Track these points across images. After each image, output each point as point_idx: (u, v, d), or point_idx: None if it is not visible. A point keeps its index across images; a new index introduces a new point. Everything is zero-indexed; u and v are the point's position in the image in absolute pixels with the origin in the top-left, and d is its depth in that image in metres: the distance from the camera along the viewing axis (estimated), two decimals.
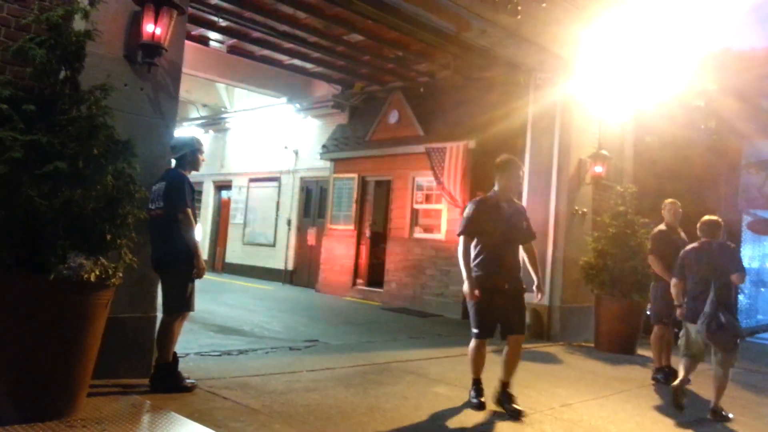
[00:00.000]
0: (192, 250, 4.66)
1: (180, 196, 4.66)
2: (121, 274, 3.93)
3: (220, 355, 6.09)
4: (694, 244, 6.16)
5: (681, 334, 5.97)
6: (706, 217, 6.23)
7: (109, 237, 3.90)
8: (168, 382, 4.63)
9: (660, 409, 5.75)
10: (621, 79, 10.06)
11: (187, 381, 4.74)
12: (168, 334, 4.72)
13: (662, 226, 7.44)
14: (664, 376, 6.95)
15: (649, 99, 10.71)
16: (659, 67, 10.45)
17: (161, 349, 4.70)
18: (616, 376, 7.22)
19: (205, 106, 18.69)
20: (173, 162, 4.98)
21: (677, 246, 6.72)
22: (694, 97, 12.55)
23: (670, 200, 7.64)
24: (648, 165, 11.35)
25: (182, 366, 4.87)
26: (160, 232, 4.71)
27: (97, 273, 3.75)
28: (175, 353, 4.77)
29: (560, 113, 9.65)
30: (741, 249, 14.18)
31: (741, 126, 14.31)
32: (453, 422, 4.56)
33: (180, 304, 4.73)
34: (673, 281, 6.06)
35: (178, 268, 4.68)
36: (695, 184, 12.65)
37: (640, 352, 8.83)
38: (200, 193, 18.21)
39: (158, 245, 4.74)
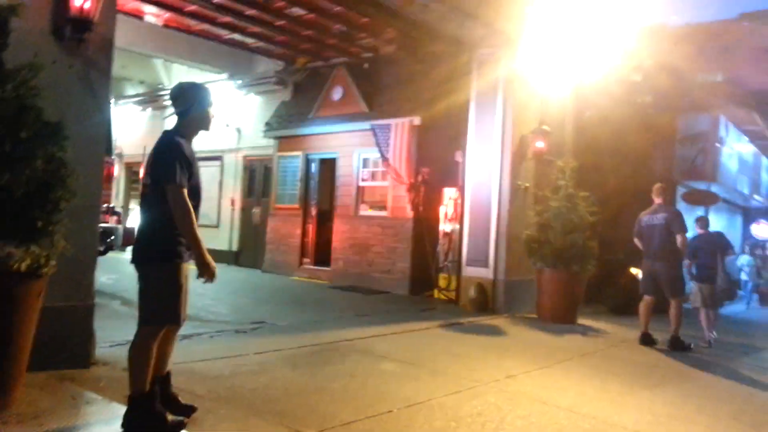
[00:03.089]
0: (190, 240, 3.52)
1: (168, 168, 3.52)
2: (54, 263, 3.77)
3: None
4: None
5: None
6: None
7: (40, 224, 3.73)
8: (144, 421, 3.48)
9: (599, 376, 5.95)
10: (562, 54, 10.21)
11: (173, 418, 3.58)
12: (142, 352, 3.53)
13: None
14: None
15: (589, 74, 10.92)
16: (598, 43, 10.65)
17: (134, 374, 3.51)
18: (559, 345, 7.43)
19: (142, 82, 18.09)
20: (174, 119, 3.86)
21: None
22: (631, 72, 12.89)
23: (657, 185, 8.35)
24: (588, 140, 11.61)
25: (120, 354, 4.61)
26: (145, 215, 3.72)
27: (28, 262, 3.59)
28: (154, 380, 3.60)
29: (503, 89, 9.74)
30: None
31: (676, 101, 14.79)
32: (400, 399, 4.60)
33: (162, 313, 3.61)
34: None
35: (163, 266, 3.58)
36: (632, 158, 13.04)
37: (581, 321, 9.12)
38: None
39: (141, 232, 3.71)
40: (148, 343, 3.56)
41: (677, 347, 7.71)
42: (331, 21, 11.29)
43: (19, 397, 3.77)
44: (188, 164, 3.61)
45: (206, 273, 3.55)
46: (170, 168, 3.51)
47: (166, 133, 3.75)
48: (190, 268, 3.65)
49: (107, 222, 8.48)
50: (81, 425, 3.63)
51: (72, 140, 4.05)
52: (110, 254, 10.30)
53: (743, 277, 17.83)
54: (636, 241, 8.22)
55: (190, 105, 3.73)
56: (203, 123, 3.81)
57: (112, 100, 9.24)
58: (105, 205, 8.66)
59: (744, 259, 18.14)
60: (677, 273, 7.92)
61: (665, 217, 7.87)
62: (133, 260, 3.66)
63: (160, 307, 3.59)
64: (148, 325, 3.59)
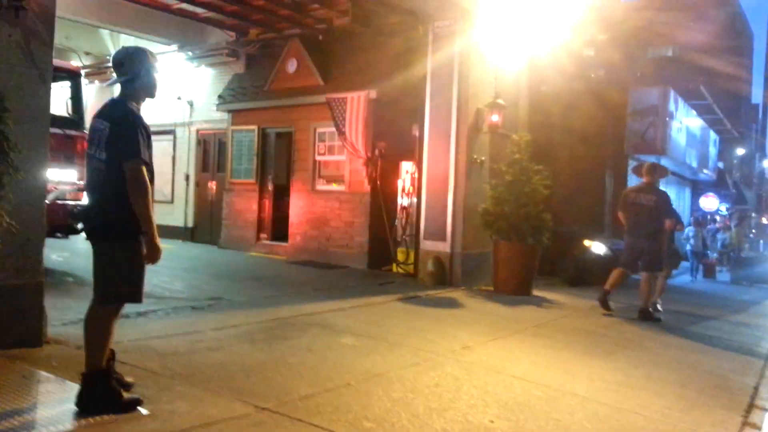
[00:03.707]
0: (144, 221, 3.37)
1: (129, 143, 3.36)
2: None
3: (128, 316, 5.84)
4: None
5: None
6: None
7: None
8: (101, 399, 3.41)
9: (553, 345, 6.10)
10: (517, 28, 10.26)
11: (128, 396, 3.53)
12: (99, 331, 3.46)
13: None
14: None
15: (543, 48, 11.01)
16: (552, 16, 10.74)
17: (91, 351, 3.44)
18: (514, 317, 7.58)
19: (88, 54, 17.41)
20: (118, 87, 3.62)
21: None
22: (584, 47, 13.06)
23: (648, 164, 8.69)
24: (542, 114, 11.75)
25: (74, 332, 4.53)
26: (101, 191, 3.50)
27: None
28: (110, 358, 3.55)
29: (459, 62, 9.74)
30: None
31: (627, 75, 15.07)
32: (358, 371, 4.64)
33: (121, 291, 3.50)
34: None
35: (124, 244, 3.44)
36: (585, 132, 13.27)
37: (536, 293, 9.31)
38: None
39: (97, 208, 3.56)
40: (107, 321, 3.50)
41: (646, 318, 8.00)
42: None
43: None
44: (148, 136, 3.47)
45: (153, 256, 3.44)
46: (133, 141, 3.36)
47: (116, 101, 3.56)
48: None
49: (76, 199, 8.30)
50: (33, 404, 3.55)
51: (14, 113, 3.90)
52: None
53: (688, 248, 18.43)
54: (620, 214, 8.53)
55: (137, 71, 3.55)
56: (150, 90, 3.64)
57: (83, 74, 8.96)
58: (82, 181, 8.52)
59: (689, 231, 18.75)
60: (660, 250, 8.20)
61: (655, 200, 8.16)
62: (90, 237, 3.54)
63: (124, 285, 3.50)
64: (108, 303, 3.52)
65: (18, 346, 4.47)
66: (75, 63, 17.06)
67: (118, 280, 3.49)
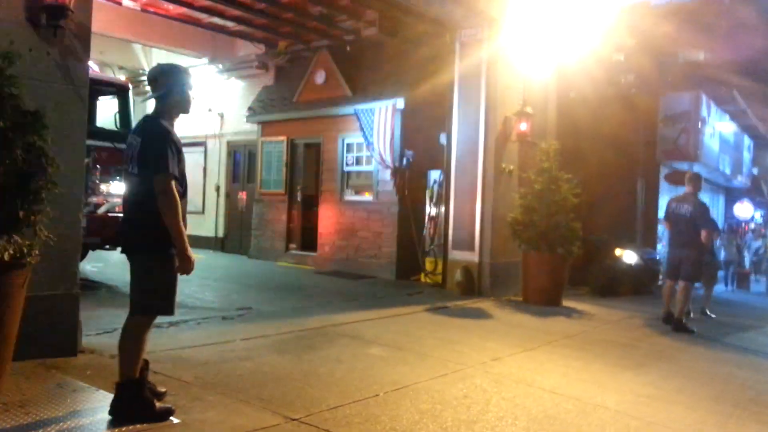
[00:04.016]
0: (174, 234, 3.45)
1: (159, 159, 3.46)
2: (37, 252, 3.74)
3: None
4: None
5: None
6: None
7: (21, 214, 3.69)
8: (134, 408, 3.50)
9: (583, 357, 6.04)
10: (544, 35, 10.22)
11: (161, 404, 3.63)
12: (134, 342, 3.56)
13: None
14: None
15: (571, 55, 10.94)
16: (580, 22, 10.66)
17: (124, 361, 3.54)
18: (543, 328, 7.51)
19: (122, 68, 17.80)
20: (153, 103, 3.78)
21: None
22: (613, 52, 12.93)
23: (690, 173, 8.76)
24: (570, 121, 11.65)
25: (107, 341, 4.65)
26: (135, 205, 3.65)
27: (11, 252, 3.55)
28: (144, 367, 3.61)
29: (486, 70, 9.73)
30: (659, 199, 14.90)
31: (657, 80, 14.87)
32: (386, 383, 4.64)
33: (154, 303, 3.61)
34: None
35: (157, 256, 3.56)
36: (614, 139, 13.12)
37: (565, 303, 9.22)
38: None
39: (131, 222, 3.70)
40: (141, 331, 3.60)
41: (680, 329, 7.88)
42: (311, 3, 11.19)
43: (5, 387, 3.74)
44: (178, 151, 3.57)
45: (186, 267, 3.52)
46: (161, 156, 3.46)
47: (149, 118, 3.68)
48: None
49: None
50: (68, 413, 3.62)
51: (52, 129, 4.01)
52: None
53: (721, 257, 18.05)
54: (664, 223, 8.73)
55: (170, 87, 3.66)
56: (183, 106, 3.74)
57: (130, 88, 9.24)
58: None
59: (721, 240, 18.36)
60: (697, 259, 8.16)
61: (691, 210, 8.12)
62: (125, 250, 3.67)
63: (156, 297, 3.60)
64: (143, 314, 3.62)
65: (53, 355, 4.59)
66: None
67: (151, 292, 3.60)
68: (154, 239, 3.51)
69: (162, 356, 4.85)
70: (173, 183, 3.48)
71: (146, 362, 3.70)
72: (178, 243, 3.47)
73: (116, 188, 8.14)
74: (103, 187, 8.21)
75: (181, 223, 3.49)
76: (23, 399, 3.74)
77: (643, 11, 14.18)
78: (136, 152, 3.58)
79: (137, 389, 3.53)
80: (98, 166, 8.02)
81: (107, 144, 8.15)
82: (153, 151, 3.50)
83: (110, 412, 3.53)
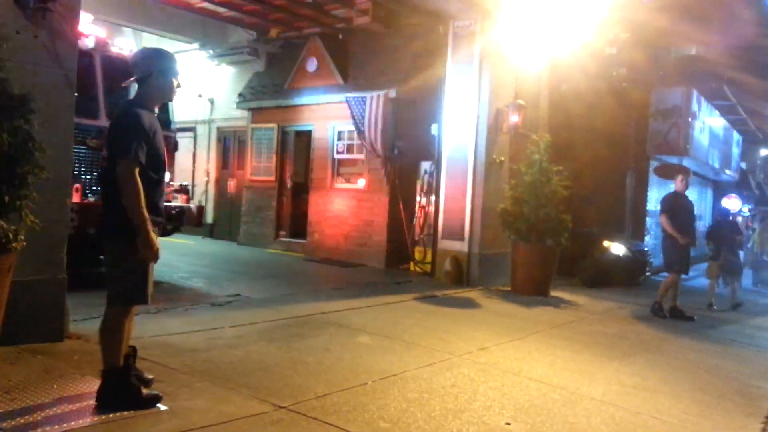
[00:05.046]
0: (134, 218, 3.34)
1: (124, 141, 3.38)
2: (23, 237, 3.71)
3: (137, 314, 5.91)
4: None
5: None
6: None
7: (7, 199, 3.65)
8: (120, 395, 3.49)
9: (570, 347, 6.07)
10: (538, 27, 10.17)
11: (147, 391, 3.60)
12: (114, 332, 3.52)
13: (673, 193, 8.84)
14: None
15: (564, 48, 10.91)
16: (574, 15, 10.63)
17: (106, 350, 3.51)
18: (531, 318, 7.55)
19: None
20: (134, 88, 3.71)
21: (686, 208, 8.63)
22: (606, 46, 12.92)
23: (682, 174, 8.94)
24: (562, 114, 11.66)
25: (95, 327, 4.58)
26: (104, 192, 3.61)
27: None
28: (128, 355, 3.59)
29: (479, 62, 9.71)
30: (648, 192, 14.98)
31: (649, 74, 14.89)
32: (374, 371, 4.65)
33: (126, 292, 3.54)
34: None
35: (124, 244, 3.44)
36: (606, 132, 13.14)
37: (554, 294, 9.27)
38: None
39: (103, 209, 3.64)
40: (118, 321, 3.55)
41: (677, 316, 8.45)
42: None
43: None
44: (146, 137, 3.46)
45: (148, 254, 3.42)
46: (124, 142, 3.38)
47: (124, 103, 3.61)
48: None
49: (172, 200, 8.35)
50: (54, 399, 3.61)
51: (39, 113, 3.96)
52: None
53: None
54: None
55: (152, 72, 3.59)
56: (166, 92, 3.69)
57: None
58: (174, 182, 8.51)
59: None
60: (664, 250, 8.81)
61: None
62: (99, 237, 3.62)
63: (128, 286, 3.53)
64: (114, 304, 3.56)
65: (40, 340, 4.57)
66: None
67: (123, 280, 3.54)
68: (122, 227, 3.40)
69: (150, 342, 4.83)
70: (136, 169, 3.37)
71: (134, 349, 3.69)
72: (139, 230, 3.36)
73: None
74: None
75: (143, 209, 3.35)
76: (8, 385, 3.71)
77: (636, 4, 14.19)
78: (107, 137, 3.55)
79: (122, 377, 3.51)
80: None
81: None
82: (118, 137, 3.45)
83: (97, 399, 3.52)
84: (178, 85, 3.72)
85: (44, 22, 4.67)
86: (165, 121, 8.26)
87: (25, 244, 3.75)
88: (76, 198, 6.45)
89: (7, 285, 3.77)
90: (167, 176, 7.96)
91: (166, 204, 7.76)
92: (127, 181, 3.34)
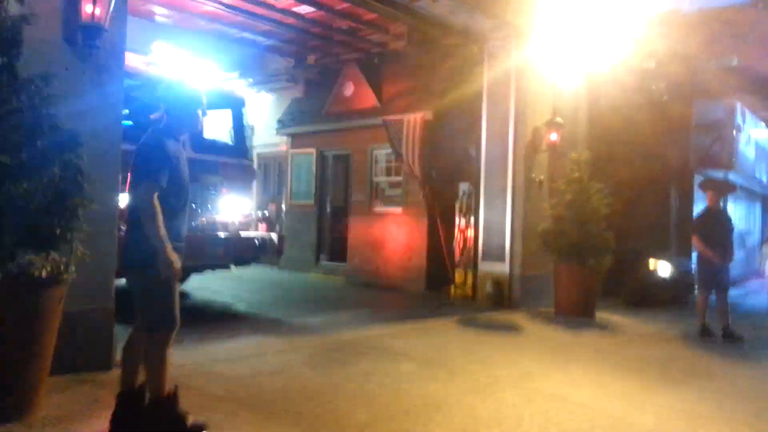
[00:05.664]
0: (153, 239, 3.36)
1: (145, 166, 3.47)
2: (73, 269, 3.82)
3: (182, 341, 6.00)
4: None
5: None
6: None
7: (58, 231, 3.77)
8: (165, 423, 3.51)
9: (617, 372, 5.92)
10: (573, 43, 10.12)
11: (194, 421, 3.59)
12: (153, 360, 3.53)
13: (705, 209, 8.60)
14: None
15: (601, 63, 10.81)
16: (610, 30, 10.54)
17: (151, 381, 3.54)
18: (576, 341, 7.40)
19: None
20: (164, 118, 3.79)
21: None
22: (644, 60, 12.74)
23: (711, 189, 8.70)
24: (601, 130, 11.50)
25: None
26: (127, 220, 3.63)
27: (48, 269, 3.63)
28: (175, 386, 3.60)
29: (515, 80, 9.67)
30: (693, 208, 14.60)
31: (689, 88, 14.61)
32: (417, 398, 4.61)
33: (155, 319, 3.53)
34: None
35: (144, 272, 3.47)
36: (646, 147, 12.90)
37: (598, 315, 9.06)
38: None
39: (124, 238, 3.66)
40: (158, 350, 3.55)
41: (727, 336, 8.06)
42: (339, 18, 11.26)
43: (42, 401, 3.83)
44: (168, 163, 3.52)
45: (169, 272, 3.39)
46: (146, 167, 3.47)
47: (151, 131, 3.71)
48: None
49: (256, 229, 8.22)
50: (103, 428, 3.67)
51: (87, 146, 4.09)
52: None
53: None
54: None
55: (174, 105, 3.71)
56: (187, 124, 3.79)
57: (245, 102, 8.88)
58: (256, 211, 8.32)
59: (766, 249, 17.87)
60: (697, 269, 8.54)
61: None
62: (122, 266, 3.62)
63: (155, 312, 3.53)
64: (153, 332, 3.56)
65: (89, 369, 4.66)
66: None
67: (149, 308, 3.55)
68: (142, 255, 3.42)
69: (195, 370, 4.90)
70: (155, 192, 3.41)
71: (175, 387, 3.64)
72: (158, 249, 3.36)
73: (239, 206, 7.79)
74: (225, 205, 7.72)
75: (161, 229, 3.37)
76: (60, 414, 3.80)
77: (673, 19, 13.99)
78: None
79: (169, 405, 3.53)
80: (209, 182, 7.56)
81: (231, 160, 7.81)
82: (139, 162, 3.52)
83: (143, 428, 3.53)
84: (203, 116, 3.82)
85: (91, 58, 4.85)
86: (242, 150, 8.31)
87: (75, 275, 3.86)
88: None
89: (59, 316, 3.88)
90: (247, 205, 8.04)
91: (248, 234, 7.72)
92: (143, 203, 3.40)
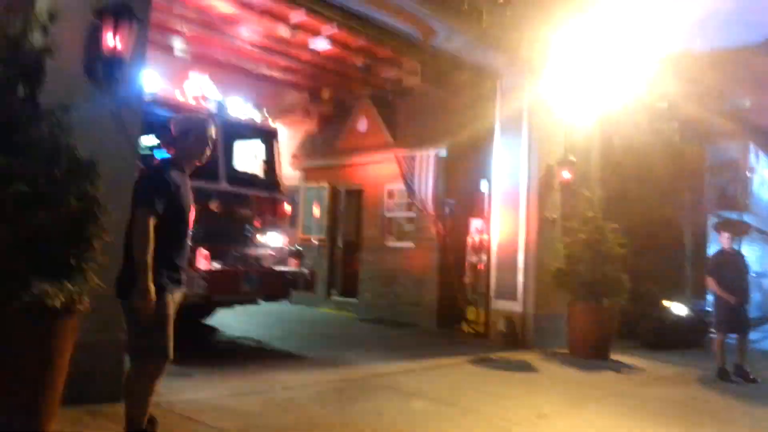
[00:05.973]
0: (137, 267, 3.35)
1: (141, 194, 3.56)
2: (87, 300, 3.79)
3: (192, 374, 5.94)
4: None
5: None
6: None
7: (73, 261, 3.75)
8: None
9: (635, 415, 5.77)
10: (587, 82, 10.16)
11: None
12: (134, 389, 3.49)
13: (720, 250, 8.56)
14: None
15: (614, 102, 10.84)
16: (623, 70, 10.60)
17: (128, 408, 3.48)
18: (591, 383, 7.25)
19: None
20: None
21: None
22: (657, 99, 12.78)
23: (726, 230, 8.65)
24: (613, 169, 11.48)
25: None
26: (124, 247, 3.59)
27: (62, 299, 3.60)
28: (153, 418, 3.55)
29: (528, 117, 9.71)
30: (708, 249, 14.45)
31: (703, 129, 14.61)
32: None
33: (144, 348, 3.48)
34: None
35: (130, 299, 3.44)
36: (660, 187, 12.84)
37: (614, 356, 8.90)
38: None
39: (124, 264, 3.59)
40: (138, 379, 3.50)
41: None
42: (354, 54, 11.40)
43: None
44: (167, 191, 3.54)
45: (141, 304, 3.34)
46: (141, 194, 3.55)
47: (160, 162, 3.74)
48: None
49: (288, 265, 7.80)
50: None
51: (104, 177, 4.10)
52: None
53: None
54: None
55: (182, 137, 3.78)
56: (195, 155, 3.82)
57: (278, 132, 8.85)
58: (286, 246, 8.17)
59: None
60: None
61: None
62: (118, 294, 3.55)
63: (145, 342, 3.47)
64: (138, 361, 3.52)
65: (100, 401, 4.58)
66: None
67: (137, 335, 3.49)
68: (128, 282, 3.42)
69: (205, 405, 4.82)
70: (149, 218, 3.42)
71: (153, 420, 3.57)
72: (137, 277, 3.35)
73: (272, 240, 7.68)
74: (262, 238, 7.64)
75: (147, 257, 3.35)
76: None
77: (686, 59, 14.06)
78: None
79: None
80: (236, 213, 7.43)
81: (265, 193, 7.77)
82: (137, 188, 3.64)
83: None
84: (208, 150, 3.86)
85: (111, 90, 4.89)
86: (274, 184, 8.17)
87: (89, 306, 3.82)
88: (204, 265, 6.27)
89: (71, 346, 3.84)
90: (280, 240, 7.91)
91: (281, 268, 7.54)
92: (137, 227, 3.43)
